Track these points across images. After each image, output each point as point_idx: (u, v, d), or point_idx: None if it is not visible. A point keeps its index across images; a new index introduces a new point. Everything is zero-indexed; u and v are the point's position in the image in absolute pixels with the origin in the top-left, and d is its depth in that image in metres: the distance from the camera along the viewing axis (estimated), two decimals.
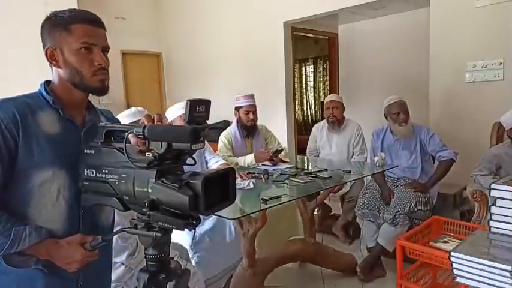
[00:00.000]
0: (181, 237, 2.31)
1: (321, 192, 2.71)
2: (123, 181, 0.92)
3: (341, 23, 5.84)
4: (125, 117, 2.25)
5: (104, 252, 1.16)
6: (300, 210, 2.85)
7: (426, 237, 2.21)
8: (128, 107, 5.92)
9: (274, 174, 2.64)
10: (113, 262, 1.34)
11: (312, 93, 8.94)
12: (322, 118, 3.82)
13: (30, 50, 4.26)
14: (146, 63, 6.21)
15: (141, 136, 0.87)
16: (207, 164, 2.78)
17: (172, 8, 6.00)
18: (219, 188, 0.88)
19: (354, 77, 5.78)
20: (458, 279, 1.47)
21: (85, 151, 1.01)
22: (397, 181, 3.00)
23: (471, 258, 1.42)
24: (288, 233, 3.02)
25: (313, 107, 8.96)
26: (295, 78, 7.81)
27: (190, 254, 2.34)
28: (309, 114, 9.02)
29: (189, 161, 0.94)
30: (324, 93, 8.25)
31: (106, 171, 0.95)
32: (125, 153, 0.90)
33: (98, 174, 0.97)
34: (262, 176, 2.51)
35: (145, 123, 0.91)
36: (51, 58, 1.07)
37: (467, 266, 1.44)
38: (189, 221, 0.86)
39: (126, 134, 0.90)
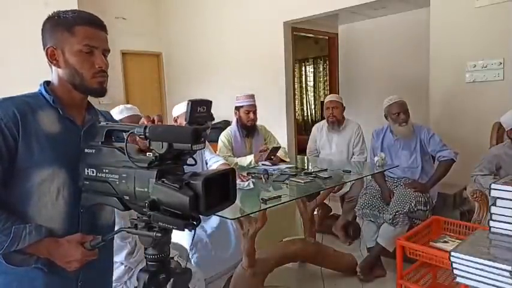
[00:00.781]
0: (181, 236, 2.30)
1: (321, 192, 2.72)
2: (123, 181, 0.92)
3: (341, 23, 5.84)
4: (113, 115, 2.26)
5: (104, 253, 1.15)
6: (300, 210, 2.85)
7: (426, 237, 2.21)
8: None
9: (274, 174, 2.64)
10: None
11: (312, 93, 8.94)
12: (322, 118, 3.82)
13: (30, 50, 4.26)
14: (146, 63, 6.21)
15: (142, 136, 0.87)
16: (206, 163, 2.79)
17: (172, 8, 6.00)
18: (220, 188, 0.89)
19: (354, 77, 5.78)
20: (458, 279, 1.47)
21: (85, 150, 1.01)
22: (397, 181, 3.00)
23: (471, 258, 1.42)
24: (288, 233, 3.02)
25: (313, 107, 8.96)
26: (295, 78, 7.81)
27: (190, 254, 2.34)
28: (309, 114, 9.02)
29: (190, 161, 0.95)
30: (324, 93, 8.24)
31: (106, 170, 0.96)
32: (125, 153, 0.90)
33: (98, 173, 0.97)
34: (262, 176, 2.51)
35: (145, 123, 0.91)
36: (52, 58, 1.07)
37: (467, 266, 1.44)
38: (189, 221, 0.86)
39: (127, 133, 0.90)
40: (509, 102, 3.03)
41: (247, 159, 3.01)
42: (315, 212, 3.02)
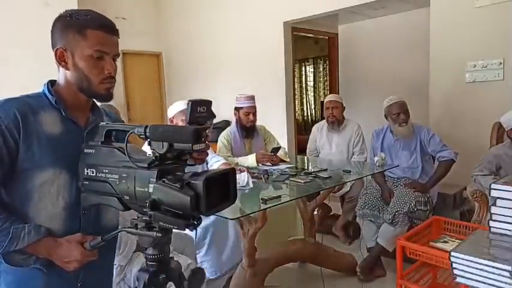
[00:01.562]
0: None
1: (321, 192, 2.71)
2: (123, 181, 0.92)
3: (341, 23, 5.84)
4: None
5: (106, 254, 1.15)
6: (300, 210, 2.85)
7: (426, 237, 2.21)
8: (128, 107, 5.94)
9: (274, 174, 2.63)
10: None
11: (312, 93, 8.94)
12: (322, 118, 3.82)
13: (30, 50, 4.27)
14: (146, 63, 6.21)
15: (143, 136, 0.87)
16: (207, 163, 2.78)
17: (173, 8, 6.00)
18: (220, 188, 0.89)
19: (354, 77, 5.78)
20: (458, 279, 1.47)
21: (85, 150, 1.01)
22: (397, 181, 3.00)
23: (471, 258, 1.42)
24: (288, 233, 3.02)
25: (313, 107, 8.96)
26: (295, 78, 7.80)
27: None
28: (309, 114, 9.02)
29: (190, 161, 0.95)
30: (324, 93, 8.25)
31: (106, 170, 0.95)
32: (125, 153, 0.90)
33: (98, 173, 0.97)
34: (262, 176, 2.51)
35: None
36: (60, 59, 1.05)
37: (467, 266, 1.43)
38: (190, 221, 0.86)
39: (127, 133, 0.90)
40: (509, 102, 3.03)
41: (249, 159, 3.01)
42: (315, 212, 3.02)
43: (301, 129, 8.17)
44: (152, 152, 0.88)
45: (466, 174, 2.81)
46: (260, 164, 2.99)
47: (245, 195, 2.22)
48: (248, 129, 3.19)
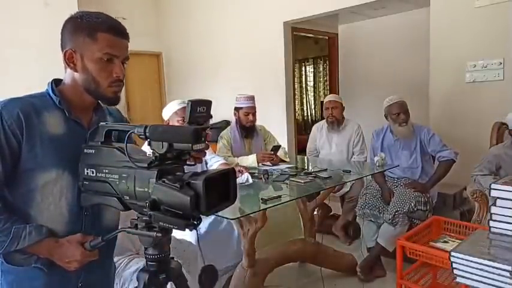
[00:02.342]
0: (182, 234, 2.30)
1: (321, 192, 2.71)
2: (123, 181, 0.92)
3: (341, 23, 5.84)
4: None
5: (107, 254, 1.15)
6: (300, 210, 2.85)
7: (426, 237, 2.21)
8: (128, 107, 5.94)
9: (274, 174, 2.64)
10: None
11: (312, 93, 8.94)
12: (322, 118, 3.82)
13: (30, 50, 4.27)
14: (146, 63, 6.20)
15: (143, 136, 0.87)
16: (206, 163, 2.78)
17: (172, 8, 6.00)
18: (220, 188, 0.89)
19: (354, 77, 5.78)
20: (458, 279, 1.48)
21: (85, 150, 1.01)
22: (397, 181, 3.00)
23: (471, 258, 1.42)
24: (288, 233, 3.02)
25: (313, 107, 8.96)
26: (295, 78, 7.81)
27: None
28: (309, 114, 9.02)
29: (190, 160, 0.95)
30: (324, 93, 8.25)
31: (106, 170, 0.95)
32: (125, 153, 0.90)
33: (98, 173, 0.97)
34: (262, 176, 2.51)
35: None
36: (69, 60, 1.04)
37: (467, 266, 1.44)
38: (190, 221, 0.86)
39: (127, 133, 0.90)
40: (509, 102, 3.03)
41: (249, 159, 3.01)
42: (315, 212, 3.02)
43: (301, 129, 8.17)
44: (152, 152, 0.88)
45: (466, 174, 2.81)
46: (260, 164, 2.99)
47: (245, 195, 2.22)
48: (248, 129, 3.19)
